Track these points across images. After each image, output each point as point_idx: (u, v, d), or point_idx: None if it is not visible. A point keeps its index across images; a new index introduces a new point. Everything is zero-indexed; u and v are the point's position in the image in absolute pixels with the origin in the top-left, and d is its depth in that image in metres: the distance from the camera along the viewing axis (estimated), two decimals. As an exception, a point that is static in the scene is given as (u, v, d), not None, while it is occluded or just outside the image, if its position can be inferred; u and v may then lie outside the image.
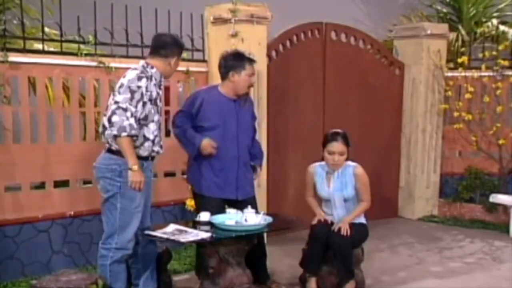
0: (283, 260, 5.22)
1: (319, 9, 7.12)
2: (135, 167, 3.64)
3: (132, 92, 3.64)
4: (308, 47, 6.29)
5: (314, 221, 4.36)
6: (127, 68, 3.94)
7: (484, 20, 8.13)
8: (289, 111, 6.17)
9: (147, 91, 3.69)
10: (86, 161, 4.59)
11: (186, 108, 4.34)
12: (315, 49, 6.35)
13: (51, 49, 5.09)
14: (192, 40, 5.57)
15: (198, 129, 4.30)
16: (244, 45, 5.40)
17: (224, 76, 4.30)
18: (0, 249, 4.57)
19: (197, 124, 4.29)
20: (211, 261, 3.85)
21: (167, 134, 5.35)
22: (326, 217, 4.37)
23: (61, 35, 4.95)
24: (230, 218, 3.96)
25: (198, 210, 4.35)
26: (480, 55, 6.83)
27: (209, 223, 3.95)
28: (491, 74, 6.73)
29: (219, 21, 5.51)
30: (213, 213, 4.06)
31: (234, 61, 4.27)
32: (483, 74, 6.76)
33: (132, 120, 3.61)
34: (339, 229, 4.23)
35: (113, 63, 5.02)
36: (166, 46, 3.83)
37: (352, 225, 4.30)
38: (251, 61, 4.33)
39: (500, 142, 6.68)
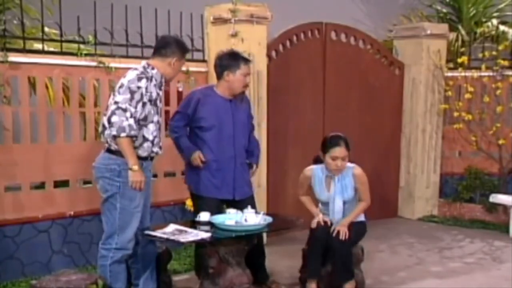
0: (283, 260, 5.22)
1: (319, 9, 7.12)
2: (136, 167, 3.64)
3: (132, 93, 3.64)
4: (308, 47, 6.29)
5: (314, 225, 4.33)
6: (127, 68, 3.94)
7: (484, 20, 8.13)
8: (289, 111, 6.17)
9: (147, 91, 3.69)
10: (86, 161, 4.59)
11: (182, 109, 4.34)
12: (315, 49, 6.35)
13: (51, 49, 5.09)
14: (192, 40, 5.56)
15: (195, 129, 4.31)
16: (244, 45, 5.41)
17: (219, 75, 4.30)
18: (0, 249, 4.57)
19: (193, 125, 4.30)
20: (211, 261, 3.85)
21: (167, 134, 5.35)
22: (325, 218, 4.35)
23: (61, 35, 4.96)
24: (230, 218, 3.96)
25: (196, 210, 4.36)
26: (480, 55, 6.83)
27: (209, 223, 3.95)
28: (491, 74, 6.73)
29: (219, 21, 5.51)
30: (211, 213, 4.06)
31: (229, 60, 4.27)
32: (483, 74, 6.76)
33: (131, 121, 3.61)
34: (338, 233, 4.22)
35: (113, 63, 5.02)
36: (166, 46, 3.83)
37: (351, 224, 4.30)
38: (247, 60, 4.32)
39: (500, 142, 6.68)
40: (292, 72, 6.16)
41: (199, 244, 3.99)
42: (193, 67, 5.47)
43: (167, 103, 5.29)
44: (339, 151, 4.26)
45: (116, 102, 3.63)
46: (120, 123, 3.58)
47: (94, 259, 4.00)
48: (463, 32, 7.78)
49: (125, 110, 3.60)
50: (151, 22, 5.26)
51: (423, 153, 6.99)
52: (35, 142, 4.78)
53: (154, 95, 3.76)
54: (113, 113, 3.61)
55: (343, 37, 6.59)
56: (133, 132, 3.62)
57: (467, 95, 6.78)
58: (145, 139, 3.76)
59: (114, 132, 3.59)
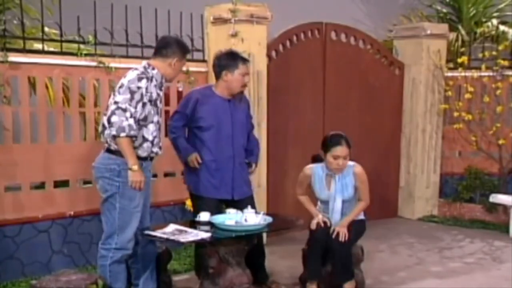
0: (283, 260, 5.22)
1: (319, 9, 7.12)
2: (135, 167, 3.64)
3: (132, 93, 3.64)
4: (308, 47, 6.29)
5: (313, 226, 4.31)
6: (127, 68, 3.94)
7: (484, 20, 8.13)
8: (289, 111, 6.17)
9: (147, 92, 3.69)
10: (86, 161, 4.59)
11: (181, 109, 4.34)
12: (315, 49, 6.35)
13: (51, 49, 5.09)
14: (192, 40, 5.56)
15: (193, 129, 4.31)
16: (244, 45, 5.41)
17: (218, 75, 4.30)
18: (0, 249, 4.57)
19: (192, 125, 4.30)
20: (211, 261, 3.85)
21: (167, 134, 5.35)
22: (325, 218, 4.33)
23: (61, 35, 4.96)
24: (230, 218, 3.95)
25: (195, 210, 4.36)
26: (480, 55, 6.83)
27: (209, 223, 3.95)
28: (491, 74, 6.73)
29: (219, 21, 5.52)
30: (210, 213, 4.06)
31: (227, 60, 4.26)
32: (483, 74, 6.76)
33: (131, 121, 3.61)
34: (338, 234, 4.21)
35: (113, 63, 5.02)
36: (167, 46, 3.83)
37: (351, 224, 4.29)
38: (245, 60, 4.32)
39: (500, 142, 6.68)
40: (292, 72, 6.16)
41: (199, 244, 3.99)
42: (193, 67, 5.47)
43: (167, 103, 5.29)
44: (340, 150, 4.25)
45: (116, 102, 3.63)
46: (120, 123, 3.58)
47: (94, 259, 4.00)
48: (463, 32, 7.78)
49: (125, 110, 3.60)
50: (151, 22, 5.26)
51: (423, 153, 6.99)
52: (35, 142, 4.78)
53: (154, 95, 3.76)
54: (113, 113, 3.61)
55: (343, 37, 6.59)
56: (132, 132, 3.62)
57: (467, 95, 6.78)
58: (144, 139, 3.76)
59: (113, 132, 3.59)
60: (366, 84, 6.75)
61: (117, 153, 3.68)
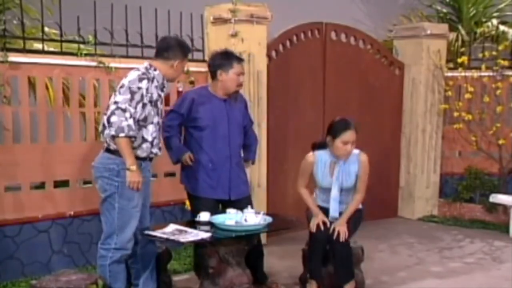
0: (283, 260, 5.22)
1: (319, 9, 7.12)
2: (133, 167, 3.64)
3: (132, 93, 3.64)
4: (308, 47, 6.29)
5: (313, 228, 4.26)
6: (127, 68, 3.95)
7: (484, 20, 8.13)
8: (289, 111, 6.18)
9: (147, 92, 3.69)
10: (86, 161, 4.59)
11: (176, 108, 4.32)
12: (315, 49, 6.35)
13: (51, 49, 5.09)
14: (192, 40, 5.56)
15: (190, 129, 4.31)
16: (244, 45, 5.41)
17: (213, 75, 4.29)
18: (0, 249, 4.57)
19: (188, 124, 4.30)
20: (211, 261, 3.85)
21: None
22: (324, 218, 4.29)
23: (61, 35, 4.96)
24: (230, 218, 3.95)
25: (193, 210, 4.36)
26: (480, 55, 6.83)
27: (209, 223, 3.95)
28: (491, 74, 6.73)
29: (219, 21, 5.52)
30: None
31: (222, 60, 4.26)
32: (483, 74, 6.76)
33: (130, 121, 3.61)
34: (338, 234, 4.19)
35: (113, 63, 5.02)
36: (169, 49, 3.83)
37: (349, 218, 4.27)
38: (240, 59, 4.31)
39: (500, 142, 6.68)
40: (292, 72, 6.16)
41: (199, 244, 3.99)
42: (193, 67, 5.46)
43: (167, 103, 5.28)
44: (349, 135, 4.19)
45: (116, 102, 3.63)
46: (119, 123, 3.58)
47: (94, 259, 4.00)
48: (463, 32, 7.78)
49: (124, 111, 3.60)
50: (151, 22, 5.26)
51: (423, 153, 7.00)
52: (35, 142, 4.78)
53: (155, 96, 3.76)
54: (112, 113, 3.61)
55: (343, 37, 6.59)
56: (132, 133, 3.62)
57: (467, 95, 6.78)
58: (144, 140, 3.76)
59: (112, 132, 3.59)
60: (366, 84, 6.75)
61: (117, 153, 3.68)
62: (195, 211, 4.20)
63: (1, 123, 4.63)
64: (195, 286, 4.23)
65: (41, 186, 4.92)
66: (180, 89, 5.58)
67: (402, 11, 8.38)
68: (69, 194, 4.95)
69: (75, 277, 3.67)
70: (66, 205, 4.92)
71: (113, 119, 3.60)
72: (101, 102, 5.09)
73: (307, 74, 6.31)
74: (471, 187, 6.93)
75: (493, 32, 7.68)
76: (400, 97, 7.06)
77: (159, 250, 4.20)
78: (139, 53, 5.22)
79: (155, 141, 3.83)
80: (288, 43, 6.16)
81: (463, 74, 6.85)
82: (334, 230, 4.22)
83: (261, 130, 5.57)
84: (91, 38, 5.01)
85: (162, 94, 3.88)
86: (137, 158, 3.73)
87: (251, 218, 3.89)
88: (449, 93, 6.89)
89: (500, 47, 6.75)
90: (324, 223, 4.25)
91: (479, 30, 7.78)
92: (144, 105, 3.69)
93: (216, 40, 5.52)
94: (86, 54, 4.95)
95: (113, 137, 3.62)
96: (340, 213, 4.31)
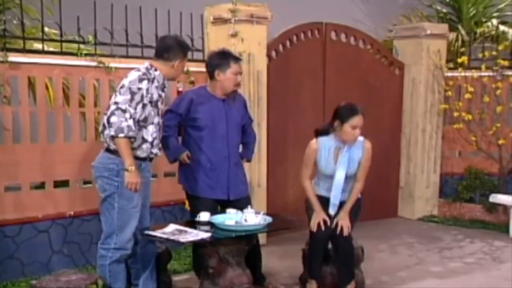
0: (283, 260, 5.22)
1: (319, 9, 7.12)
2: (132, 168, 3.64)
3: (132, 94, 3.64)
4: (308, 47, 6.29)
5: (314, 227, 4.23)
6: (127, 68, 3.95)
7: (484, 20, 8.13)
8: (289, 111, 6.17)
9: (147, 93, 3.69)
10: (86, 161, 4.59)
11: (174, 108, 4.30)
12: (315, 49, 6.35)
13: (51, 49, 5.09)
14: (192, 40, 5.56)
15: (188, 129, 4.30)
16: (244, 45, 5.41)
17: (211, 75, 4.29)
18: (0, 249, 4.57)
19: (186, 124, 4.29)
20: (211, 261, 3.85)
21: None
22: (325, 217, 4.27)
23: (61, 35, 4.96)
24: (230, 218, 3.95)
25: (192, 210, 4.36)
26: (480, 55, 6.83)
27: (209, 223, 3.95)
28: (491, 74, 6.73)
29: (219, 21, 5.52)
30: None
31: (219, 59, 4.25)
32: (483, 74, 6.76)
33: (130, 122, 3.61)
34: (342, 229, 4.17)
35: (113, 63, 5.02)
36: (169, 50, 3.82)
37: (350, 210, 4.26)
38: (237, 59, 4.30)
39: (500, 142, 6.68)
40: (292, 72, 6.16)
41: (199, 244, 3.99)
42: (193, 67, 5.46)
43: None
44: (358, 119, 4.16)
45: (116, 103, 3.63)
46: (119, 123, 3.58)
47: (94, 259, 4.00)
48: (463, 32, 7.78)
49: (124, 111, 3.60)
50: (151, 22, 5.26)
51: (423, 153, 7.00)
52: (35, 142, 4.78)
53: (155, 96, 3.76)
54: (112, 113, 3.61)
55: (343, 37, 6.59)
56: (131, 133, 3.62)
57: (467, 95, 6.78)
58: (144, 140, 3.76)
59: (112, 133, 3.59)
60: (366, 84, 6.74)
61: (117, 153, 3.67)
62: (194, 211, 4.20)
63: (1, 123, 4.63)
64: (195, 286, 4.23)
65: (41, 186, 4.92)
66: (180, 89, 5.57)
67: (402, 11, 8.38)
68: (69, 194, 4.95)
69: (75, 277, 3.67)
70: (66, 205, 4.92)
71: (113, 119, 3.60)
72: (101, 102, 5.09)
73: (307, 74, 6.31)
74: (471, 187, 6.93)
75: (493, 32, 7.68)
76: (400, 97, 7.06)
77: (159, 250, 4.20)
78: (139, 53, 5.22)
79: (155, 142, 3.83)
80: (288, 43, 6.16)
81: (463, 74, 6.85)
82: (337, 224, 4.19)
83: (261, 130, 5.57)
84: (91, 38, 5.01)
85: (163, 95, 3.87)
86: (137, 158, 3.74)
87: (251, 218, 3.89)
88: (449, 93, 6.89)
89: (500, 47, 6.75)
90: (325, 222, 4.23)
91: (479, 30, 7.78)
92: (144, 106, 3.68)
93: (216, 40, 5.52)
94: (86, 54, 4.95)
95: (113, 138, 3.62)
96: (341, 203, 4.27)
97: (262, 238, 5.30)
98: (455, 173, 7.17)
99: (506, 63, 6.62)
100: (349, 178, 4.26)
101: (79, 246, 4.98)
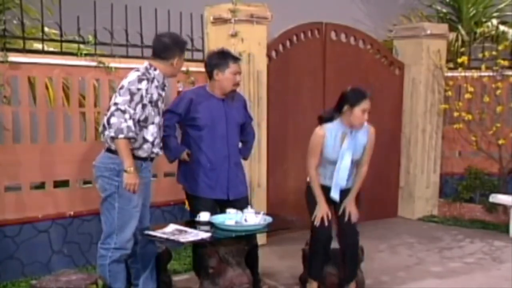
0: (283, 260, 5.22)
1: (319, 9, 7.12)
2: (131, 169, 3.63)
3: (132, 94, 3.63)
4: (308, 47, 6.29)
5: (318, 221, 4.19)
6: (127, 68, 3.95)
7: (484, 20, 8.14)
8: (289, 111, 6.17)
9: (147, 93, 3.69)
10: (86, 161, 4.60)
11: (173, 108, 4.28)
12: (315, 49, 6.35)
13: (51, 49, 5.09)
14: (192, 40, 5.56)
15: (188, 129, 4.30)
16: (244, 45, 5.42)
17: (210, 75, 4.27)
18: (0, 249, 4.57)
19: (185, 123, 4.29)
20: (211, 261, 3.85)
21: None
22: (328, 211, 4.21)
23: (61, 35, 4.96)
24: (230, 218, 3.95)
25: (191, 210, 4.36)
26: (480, 55, 6.83)
27: (209, 223, 3.95)
28: (491, 74, 6.73)
29: (219, 21, 5.52)
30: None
31: (218, 59, 4.24)
32: (483, 74, 6.76)
33: (130, 122, 3.61)
34: (349, 220, 4.16)
35: (113, 63, 5.02)
36: (166, 49, 3.81)
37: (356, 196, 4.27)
38: (236, 59, 4.28)
39: (500, 142, 6.69)
40: (292, 72, 6.16)
41: (199, 244, 3.99)
42: (193, 67, 5.47)
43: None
44: (367, 103, 4.18)
45: (115, 104, 3.63)
46: (119, 124, 3.58)
47: (94, 259, 4.00)
48: (463, 32, 7.78)
49: (124, 112, 3.60)
50: (151, 22, 5.26)
51: (423, 153, 7.00)
52: (35, 142, 4.78)
53: (155, 96, 3.75)
54: (112, 114, 3.61)
55: (343, 37, 6.59)
56: (131, 134, 3.62)
57: (467, 95, 6.78)
58: (145, 141, 3.76)
59: (112, 134, 3.59)
60: (366, 84, 6.69)
61: (117, 153, 3.67)
62: (194, 211, 4.20)
63: (1, 123, 4.63)
64: (195, 286, 4.23)
65: (41, 186, 4.92)
66: (180, 89, 5.57)
67: (402, 11, 8.38)
68: (69, 194, 4.95)
69: (75, 277, 3.68)
70: (66, 205, 4.92)
71: (113, 120, 3.60)
72: (101, 102, 5.09)
73: (307, 74, 6.31)
74: (471, 187, 6.94)
75: (493, 32, 7.69)
76: (400, 97, 7.06)
77: (159, 250, 4.20)
78: (139, 53, 5.22)
79: (156, 141, 3.83)
80: (288, 43, 6.16)
81: (463, 74, 6.85)
82: (343, 212, 4.19)
83: (261, 130, 5.57)
84: (91, 38, 5.01)
85: (163, 94, 3.87)
86: (138, 158, 3.74)
87: (251, 218, 3.88)
88: (449, 93, 6.89)
89: (500, 47, 6.75)
90: (327, 216, 4.19)
91: (479, 30, 7.78)
92: (144, 106, 3.68)
93: (216, 40, 5.52)
94: (86, 54, 4.96)
95: (113, 139, 3.62)
96: (345, 191, 4.26)
97: (262, 238, 5.31)
98: (455, 173, 7.17)
99: (506, 63, 6.63)
100: (354, 164, 4.25)
101: (79, 246, 4.98)
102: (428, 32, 6.81)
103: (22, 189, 4.72)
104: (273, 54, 6.01)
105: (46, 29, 5.07)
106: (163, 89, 3.85)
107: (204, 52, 5.67)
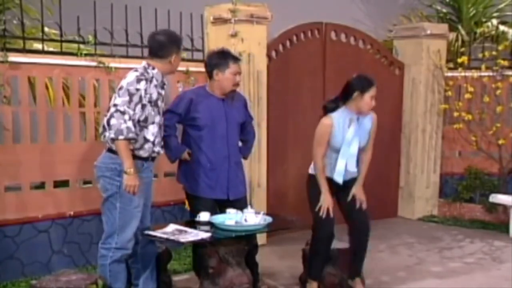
0: (283, 260, 5.22)
1: (319, 9, 7.12)
2: (131, 171, 3.63)
3: (131, 95, 3.63)
4: (308, 47, 6.29)
5: (324, 212, 4.13)
6: (127, 68, 3.95)
7: (484, 20, 8.14)
8: (289, 111, 6.17)
9: (146, 93, 3.68)
10: (86, 161, 4.60)
11: (173, 108, 4.27)
12: (315, 49, 6.35)
13: (51, 49, 5.09)
14: (192, 40, 5.57)
15: (188, 129, 4.30)
16: (244, 45, 5.42)
17: (210, 75, 4.27)
18: (0, 249, 4.57)
19: (186, 123, 4.29)
20: (211, 261, 3.85)
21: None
22: (331, 203, 4.19)
23: (61, 35, 4.96)
24: (230, 218, 3.95)
25: (191, 210, 4.36)
26: (480, 55, 6.83)
27: (209, 223, 3.95)
28: (491, 74, 6.73)
29: (219, 21, 5.52)
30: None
31: (218, 59, 4.23)
32: (483, 74, 6.76)
33: (130, 123, 3.60)
34: (364, 215, 4.20)
35: (113, 63, 5.02)
36: (162, 47, 3.80)
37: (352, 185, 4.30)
38: (236, 59, 4.28)
39: (500, 142, 6.69)
40: (292, 72, 6.16)
41: (199, 244, 3.99)
42: (193, 67, 5.47)
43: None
44: (375, 89, 4.23)
45: (115, 105, 3.63)
46: (118, 125, 3.58)
47: (94, 259, 4.00)
48: (463, 32, 7.79)
49: (123, 113, 3.60)
50: (151, 22, 5.26)
51: (423, 153, 7.00)
52: (35, 142, 4.78)
53: (154, 96, 3.75)
54: (111, 115, 3.61)
55: (343, 37, 6.59)
56: (131, 135, 3.62)
57: (467, 95, 6.78)
58: (146, 140, 3.77)
59: (112, 135, 3.59)
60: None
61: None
62: (194, 211, 4.20)
63: (1, 123, 4.63)
64: (195, 286, 4.23)
65: (41, 186, 4.92)
66: (180, 89, 5.57)
67: (402, 11, 8.38)
68: (69, 194, 4.95)
69: (75, 277, 3.67)
70: (66, 205, 4.92)
71: (113, 121, 3.59)
72: (101, 102, 5.09)
73: (307, 74, 6.31)
74: (471, 187, 6.93)
75: (493, 32, 7.69)
76: (400, 97, 7.06)
77: (159, 250, 4.20)
78: (139, 53, 5.22)
79: (157, 140, 3.83)
80: (288, 43, 6.16)
81: (463, 74, 6.85)
82: (353, 204, 4.23)
83: (261, 130, 5.57)
84: (91, 38, 5.01)
85: (163, 92, 3.87)
86: (139, 158, 3.75)
87: (251, 218, 3.88)
88: (449, 93, 6.90)
89: (500, 47, 6.75)
90: (328, 210, 4.19)
91: (479, 30, 7.78)
92: (143, 106, 3.68)
93: (216, 40, 5.52)
94: (86, 54, 4.96)
95: (113, 140, 3.62)
96: (348, 182, 4.27)
97: (262, 238, 5.31)
98: (455, 173, 7.18)
99: (506, 63, 6.63)
100: (360, 151, 4.28)
101: (79, 246, 4.98)
102: (428, 32, 6.81)
103: (22, 189, 4.72)
104: (273, 54, 6.01)
105: (46, 29, 5.07)
106: (162, 88, 3.85)
107: (204, 52, 5.66)
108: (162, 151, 3.93)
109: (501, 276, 4.98)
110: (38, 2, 4.84)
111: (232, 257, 3.84)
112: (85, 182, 5.03)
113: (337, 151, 4.22)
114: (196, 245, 4.21)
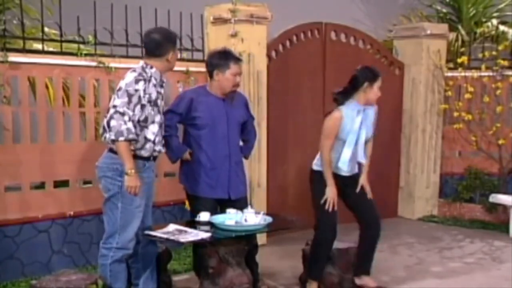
0: (283, 260, 5.22)
1: (319, 9, 7.12)
2: (132, 172, 3.63)
3: (130, 96, 3.63)
4: (308, 47, 6.29)
5: (330, 204, 4.18)
6: (127, 68, 3.94)
7: (484, 20, 8.14)
8: (289, 111, 6.17)
9: (145, 93, 3.68)
10: (86, 161, 4.60)
11: (173, 108, 4.27)
12: (315, 49, 6.35)
13: (51, 49, 5.09)
14: (192, 40, 5.57)
15: (188, 129, 4.30)
16: (244, 45, 5.42)
17: (210, 75, 4.27)
18: (0, 249, 4.57)
19: (186, 123, 4.28)
20: (211, 261, 3.85)
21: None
22: (335, 196, 4.22)
23: (61, 35, 4.96)
24: (230, 218, 3.95)
25: (192, 210, 4.35)
26: (480, 55, 6.83)
27: (209, 223, 3.95)
28: (491, 74, 6.73)
29: (219, 21, 5.52)
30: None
31: (219, 60, 4.22)
32: (483, 74, 6.76)
33: (129, 124, 3.60)
34: (375, 211, 4.34)
35: (113, 63, 5.02)
36: (158, 46, 3.79)
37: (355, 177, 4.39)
38: (237, 60, 4.26)
39: (500, 142, 6.69)
40: (292, 72, 6.16)
41: (199, 244, 3.99)
42: (193, 67, 5.47)
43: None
44: (381, 80, 4.27)
45: (114, 106, 3.62)
46: (118, 127, 3.58)
47: (94, 259, 4.01)
48: (463, 32, 7.79)
49: (123, 114, 3.59)
50: (151, 22, 5.25)
51: (423, 153, 7.00)
52: (35, 142, 4.78)
53: (154, 95, 3.75)
54: (111, 117, 3.60)
55: (343, 37, 6.59)
56: (131, 136, 3.61)
57: (467, 95, 6.78)
58: (147, 140, 3.76)
59: (112, 137, 3.59)
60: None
61: (120, 153, 3.68)
62: (195, 211, 4.19)
63: (1, 123, 4.63)
64: (195, 286, 4.23)
65: (41, 186, 4.92)
66: (180, 89, 5.57)
67: (402, 11, 8.38)
68: (69, 194, 4.95)
69: (75, 277, 3.67)
70: (66, 205, 4.92)
71: (112, 123, 3.59)
72: (101, 102, 5.09)
73: (307, 74, 6.31)
74: (471, 187, 6.93)
75: (493, 32, 7.69)
76: (400, 97, 7.06)
77: (159, 250, 4.20)
78: (139, 53, 5.20)
79: (157, 139, 3.83)
80: (288, 43, 6.16)
81: (463, 74, 6.85)
82: (361, 193, 4.33)
83: (261, 130, 5.57)
84: (91, 38, 5.01)
85: (162, 91, 3.86)
86: (141, 158, 3.75)
87: (251, 218, 3.88)
88: (449, 93, 6.90)
89: (500, 47, 6.75)
90: (333, 205, 4.23)
91: (479, 30, 7.78)
92: (143, 107, 3.68)
93: (216, 40, 5.52)
94: (86, 54, 4.96)
95: (113, 141, 3.62)
96: (350, 177, 4.35)
97: (262, 238, 5.31)
98: (455, 173, 7.18)
99: (506, 63, 6.63)
100: (367, 140, 4.36)
101: (79, 246, 4.98)
102: (428, 32, 6.81)
103: (22, 189, 4.72)
104: (273, 54, 6.01)
105: (46, 29, 5.07)
106: (161, 86, 3.85)
107: (204, 52, 5.67)
108: (163, 150, 3.93)
109: (501, 276, 4.98)
110: (38, 2, 4.84)
111: (232, 257, 3.85)
112: (85, 182, 5.02)
113: (344, 143, 4.26)
114: (196, 245, 4.21)
